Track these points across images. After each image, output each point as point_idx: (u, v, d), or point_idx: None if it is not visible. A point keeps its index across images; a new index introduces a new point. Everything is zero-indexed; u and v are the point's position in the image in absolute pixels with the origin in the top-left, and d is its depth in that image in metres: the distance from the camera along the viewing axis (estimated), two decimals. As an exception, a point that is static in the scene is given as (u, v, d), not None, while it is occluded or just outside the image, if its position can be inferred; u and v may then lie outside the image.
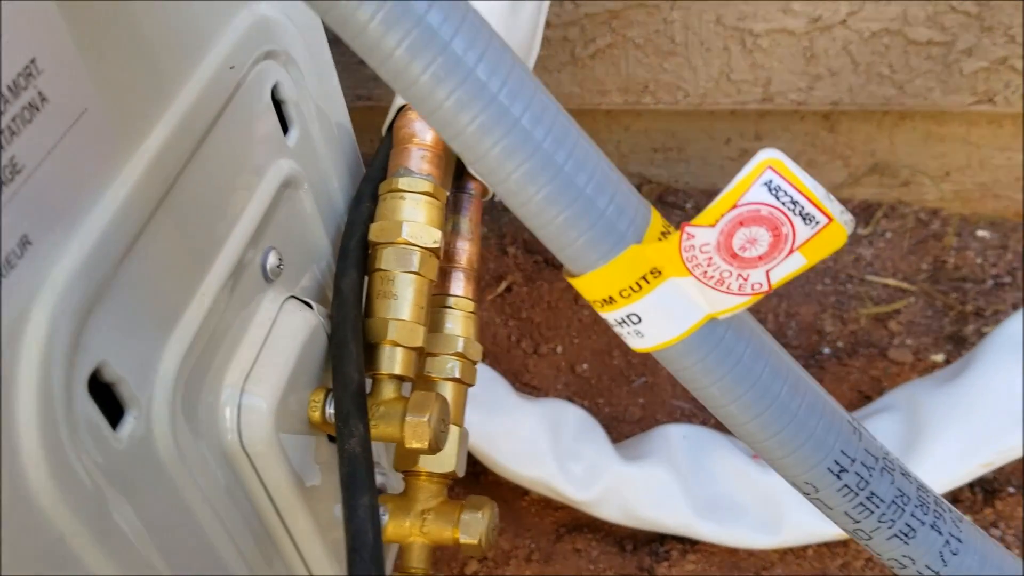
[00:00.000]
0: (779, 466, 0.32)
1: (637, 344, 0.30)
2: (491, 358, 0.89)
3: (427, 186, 0.46)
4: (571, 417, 0.77)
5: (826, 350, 0.89)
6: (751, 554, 0.76)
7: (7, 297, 0.28)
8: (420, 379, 0.51)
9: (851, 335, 0.90)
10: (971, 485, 0.78)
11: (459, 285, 0.53)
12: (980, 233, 0.96)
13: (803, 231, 0.27)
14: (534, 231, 0.29)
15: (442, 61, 0.25)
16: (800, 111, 0.94)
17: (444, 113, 0.26)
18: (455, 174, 0.55)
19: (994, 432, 0.72)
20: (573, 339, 0.91)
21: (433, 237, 0.46)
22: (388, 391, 0.45)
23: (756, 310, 0.93)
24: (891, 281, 0.93)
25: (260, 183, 0.40)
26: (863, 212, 1.00)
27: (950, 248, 0.95)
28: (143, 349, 0.34)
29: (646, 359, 0.89)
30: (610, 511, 0.75)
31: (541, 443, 0.74)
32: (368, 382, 0.46)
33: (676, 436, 0.77)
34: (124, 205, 0.32)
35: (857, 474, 0.31)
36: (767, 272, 0.28)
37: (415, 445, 0.43)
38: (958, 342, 0.88)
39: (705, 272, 0.28)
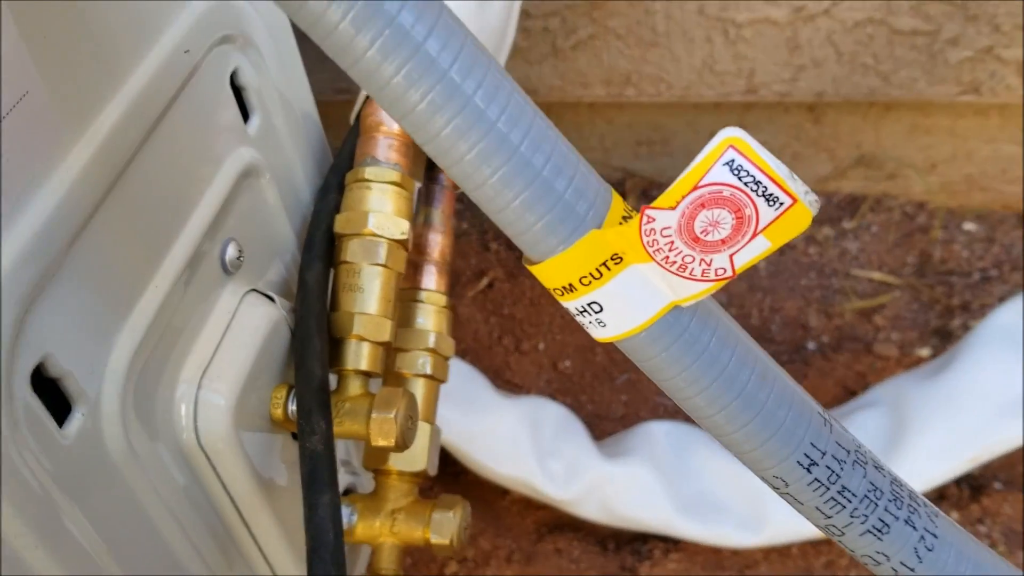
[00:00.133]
0: (747, 460, 0.31)
1: (599, 334, 0.29)
2: (472, 355, 0.88)
3: (394, 176, 0.45)
4: (551, 415, 0.76)
5: (811, 345, 0.88)
6: (735, 553, 0.75)
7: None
8: (390, 375, 0.50)
9: (836, 330, 0.89)
10: (957, 481, 0.77)
11: (431, 279, 0.52)
12: (967, 226, 0.96)
13: (767, 213, 0.26)
14: (491, 216, 0.27)
15: (389, 34, 0.24)
16: (784, 103, 0.93)
17: (393, 89, 0.25)
18: (427, 165, 0.54)
19: (980, 426, 0.71)
20: (556, 336, 0.90)
21: (400, 228, 0.45)
22: (354, 387, 0.44)
23: (740, 305, 0.92)
24: (876, 275, 0.92)
25: (218, 171, 0.39)
26: (849, 205, 0.99)
27: (936, 241, 0.94)
28: (91, 342, 0.33)
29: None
30: (591, 510, 0.74)
31: (521, 441, 0.73)
32: (333, 378, 0.44)
33: (658, 433, 0.76)
34: (71, 189, 0.31)
35: (828, 467, 0.30)
36: (731, 256, 0.26)
37: (381, 442, 0.42)
38: (944, 336, 0.87)
39: (667, 257, 0.27)
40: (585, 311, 0.29)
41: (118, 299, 0.34)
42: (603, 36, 0.89)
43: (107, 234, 0.33)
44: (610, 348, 0.90)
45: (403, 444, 0.42)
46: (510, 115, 0.26)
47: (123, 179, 0.34)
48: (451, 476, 0.80)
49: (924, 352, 0.86)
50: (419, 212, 0.53)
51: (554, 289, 0.29)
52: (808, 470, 0.30)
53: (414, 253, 0.52)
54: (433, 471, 0.50)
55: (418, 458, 0.49)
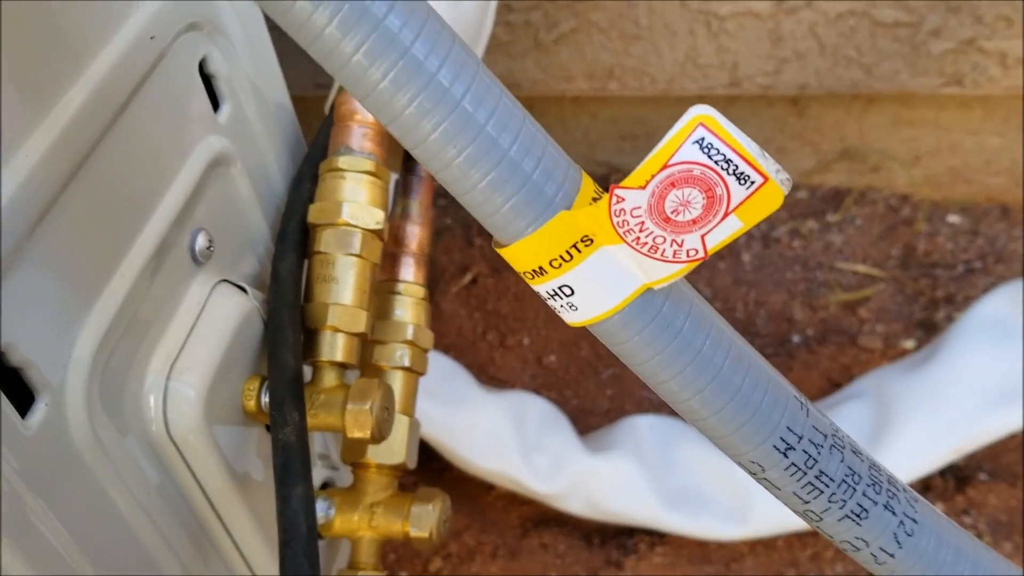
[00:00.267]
0: (723, 445, 0.30)
1: (571, 318, 0.29)
2: (456, 351, 0.87)
3: (369, 165, 0.44)
4: (535, 409, 0.76)
5: (796, 338, 0.88)
6: (721, 546, 0.75)
7: None
8: (368, 368, 0.49)
9: (821, 323, 0.89)
10: (942, 472, 0.77)
11: (409, 271, 0.51)
12: (951, 219, 0.96)
13: (738, 192, 0.25)
14: (458, 198, 0.27)
15: (348, 9, 0.23)
16: (768, 96, 0.92)
17: (353, 68, 0.24)
18: (405, 156, 0.53)
19: (964, 417, 0.71)
20: (540, 331, 0.90)
21: (375, 218, 0.44)
22: (329, 379, 0.43)
23: (724, 299, 0.92)
24: (861, 268, 0.92)
25: (187, 159, 0.39)
26: (833, 198, 0.98)
27: (920, 234, 0.94)
28: (55, 331, 0.32)
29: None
30: (576, 504, 0.73)
31: (504, 436, 0.73)
32: (309, 371, 0.44)
33: (643, 427, 0.76)
34: (32, 175, 0.30)
35: (805, 452, 0.30)
36: (702, 237, 0.26)
37: (357, 434, 0.41)
38: (929, 328, 0.87)
39: (638, 238, 0.26)
40: (556, 295, 0.28)
41: (82, 288, 0.33)
42: (585, 29, 0.88)
43: (70, 221, 0.32)
44: (595, 343, 0.90)
45: (379, 436, 0.42)
46: (475, 93, 0.25)
47: (87, 166, 0.33)
48: (435, 472, 0.80)
49: (909, 344, 0.85)
50: (396, 203, 0.52)
51: (524, 272, 0.28)
52: (785, 455, 0.30)
53: (392, 245, 0.51)
54: (412, 464, 0.49)
55: (397, 451, 0.48)
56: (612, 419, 0.82)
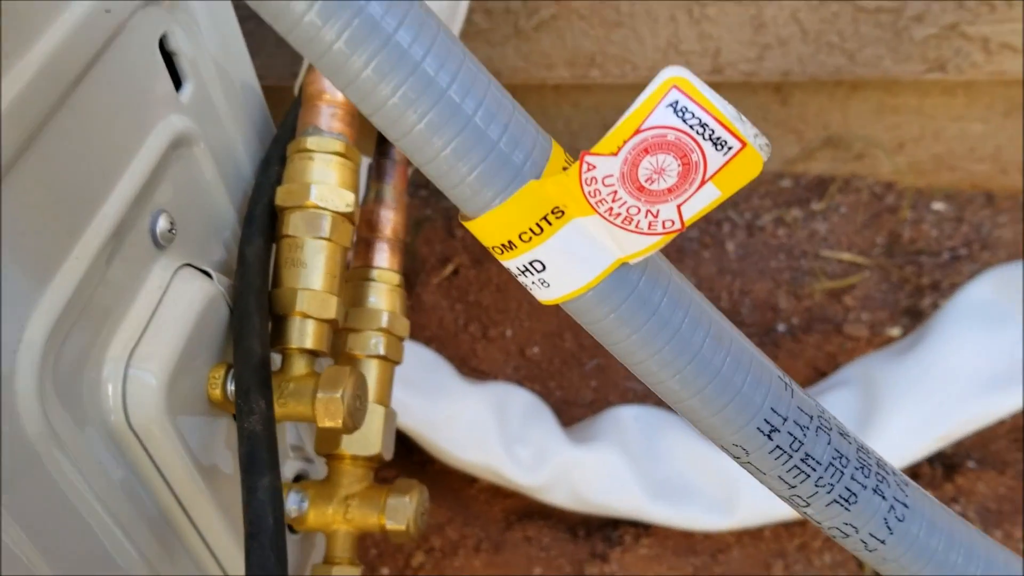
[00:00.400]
0: (705, 428, 0.29)
1: (543, 295, 0.27)
2: (438, 343, 0.86)
3: (338, 146, 0.43)
4: (518, 400, 0.75)
5: (781, 327, 0.87)
6: (706, 537, 0.74)
7: None
8: (341, 357, 0.48)
9: (806, 311, 0.88)
10: (931, 460, 0.76)
11: (383, 256, 0.50)
12: (935, 206, 0.95)
13: (715, 158, 0.24)
14: (421, 168, 0.26)
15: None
16: (751, 83, 0.91)
17: (305, 28, 0.23)
18: (378, 140, 0.52)
19: (951, 404, 0.70)
20: (523, 322, 0.88)
21: (345, 200, 0.42)
22: (299, 367, 0.42)
23: (709, 288, 0.91)
24: (846, 256, 0.91)
25: (146, 138, 0.37)
26: (817, 187, 0.98)
27: (905, 221, 0.93)
28: (3, 315, 0.31)
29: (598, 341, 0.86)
30: (560, 496, 0.72)
31: (486, 427, 0.71)
32: (277, 358, 0.42)
33: (627, 418, 0.75)
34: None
35: (790, 434, 0.29)
36: (678, 207, 0.25)
37: (328, 423, 0.40)
38: (914, 316, 0.86)
39: (611, 209, 0.25)
40: (527, 270, 0.27)
41: (33, 270, 0.32)
42: (566, 16, 0.87)
43: (19, 201, 0.31)
44: (579, 334, 0.88)
45: (351, 425, 0.40)
46: (436, 56, 0.24)
47: (37, 143, 0.32)
48: (417, 465, 0.78)
49: (894, 332, 0.85)
50: (370, 188, 0.51)
51: (493, 247, 0.27)
52: (769, 437, 0.29)
53: (366, 230, 0.50)
54: (388, 455, 0.48)
55: (372, 442, 0.47)
56: (596, 410, 0.80)
